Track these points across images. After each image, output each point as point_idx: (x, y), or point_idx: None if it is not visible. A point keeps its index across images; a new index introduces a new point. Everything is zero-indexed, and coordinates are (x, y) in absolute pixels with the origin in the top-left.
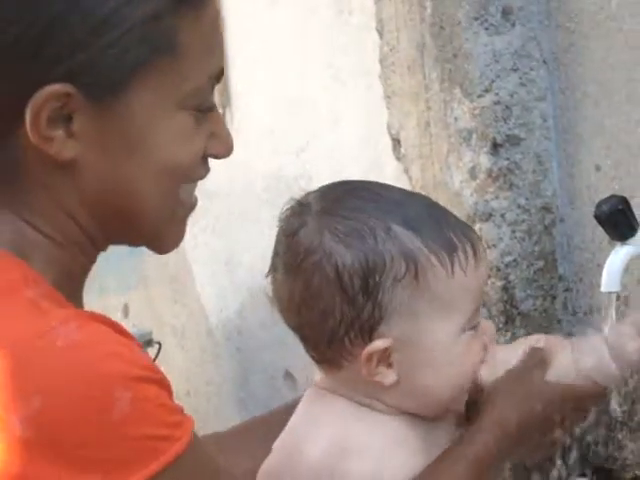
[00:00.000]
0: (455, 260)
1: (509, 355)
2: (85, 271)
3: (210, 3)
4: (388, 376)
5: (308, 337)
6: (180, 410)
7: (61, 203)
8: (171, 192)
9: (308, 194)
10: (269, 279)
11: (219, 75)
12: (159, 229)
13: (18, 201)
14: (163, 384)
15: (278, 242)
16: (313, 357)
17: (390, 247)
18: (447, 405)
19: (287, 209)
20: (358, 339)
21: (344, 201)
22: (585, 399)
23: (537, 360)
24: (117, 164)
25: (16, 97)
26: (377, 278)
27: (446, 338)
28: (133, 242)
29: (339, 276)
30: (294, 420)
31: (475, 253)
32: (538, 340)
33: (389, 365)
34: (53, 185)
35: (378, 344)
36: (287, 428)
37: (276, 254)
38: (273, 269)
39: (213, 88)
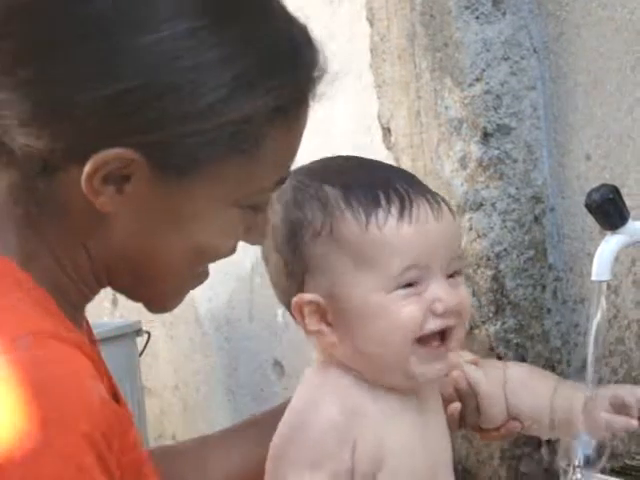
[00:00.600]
0: (372, 216)
1: (495, 369)
2: (85, 299)
3: (303, 118)
4: (329, 335)
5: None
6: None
7: (84, 242)
8: (191, 269)
9: None
10: None
11: (284, 180)
12: (165, 295)
13: (45, 225)
14: (95, 442)
15: None
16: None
17: (315, 204)
18: (396, 368)
19: None
20: (294, 294)
21: (307, 169)
22: None
23: None
24: (153, 232)
25: (86, 145)
26: (297, 233)
27: (367, 293)
28: (132, 297)
29: (274, 232)
30: (302, 391)
31: (402, 211)
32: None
33: (328, 324)
34: (83, 225)
35: (304, 296)
36: (296, 398)
37: None
38: None
39: (274, 191)
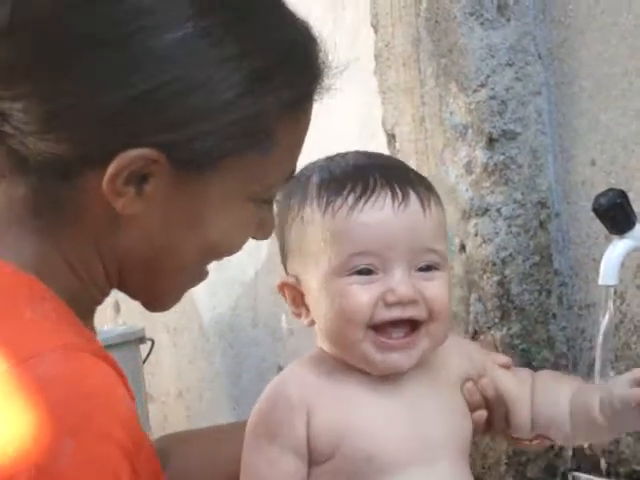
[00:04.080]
0: (330, 204)
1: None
2: (96, 303)
3: (309, 113)
4: (305, 316)
5: None
6: None
7: (99, 247)
8: (202, 266)
9: None
10: None
11: (292, 173)
12: (170, 293)
13: (59, 232)
14: (128, 452)
15: None
16: None
17: (298, 192)
18: (353, 353)
19: None
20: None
21: (318, 161)
22: None
23: None
24: (170, 231)
25: (108, 148)
26: (283, 219)
27: (324, 277)
28: (136, 296)
29: (275, 217)
30: None
31: (358, 200)
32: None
33: (306, 307)
34: (100, 230)
35: (283, 278)
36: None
37: None
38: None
39: (283, 185)
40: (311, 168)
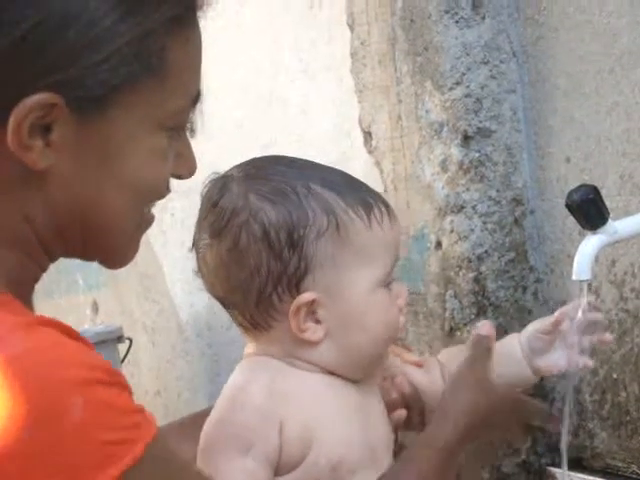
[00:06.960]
0: (372, 215)
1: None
2: (35, 278)
3: (198, 25)
4: (317, 332)
5: (236, 302)
6: (139, 410)
7: (23, 209)
8: (137, 209)
9: (229, 169)
10: (194, 252)
11: (197, 97)
12: (118, 245)
13: None
14: (119, 385)
15: (202, 212)
16: (241, 324)
17: (312, 203)
18: (371, 363)
19: (208, 183)
20: (286, 294)
21: (264, 168)
22: (525, 407)
23: (482, 350)
24: (90, 178)
25: (2, 102)
26: (301, 232)
27: (366, 289)
28: (88, 256)
29: (266, 232)
30: (232, 379)
31: (388, 211)
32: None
33: (317, 321)
34: (20, 191)
35: (305, 296)
36: (226, 386)
37: (200, 224)
38: (198, 238)
39: (190, 110)
40: (280, 175)
